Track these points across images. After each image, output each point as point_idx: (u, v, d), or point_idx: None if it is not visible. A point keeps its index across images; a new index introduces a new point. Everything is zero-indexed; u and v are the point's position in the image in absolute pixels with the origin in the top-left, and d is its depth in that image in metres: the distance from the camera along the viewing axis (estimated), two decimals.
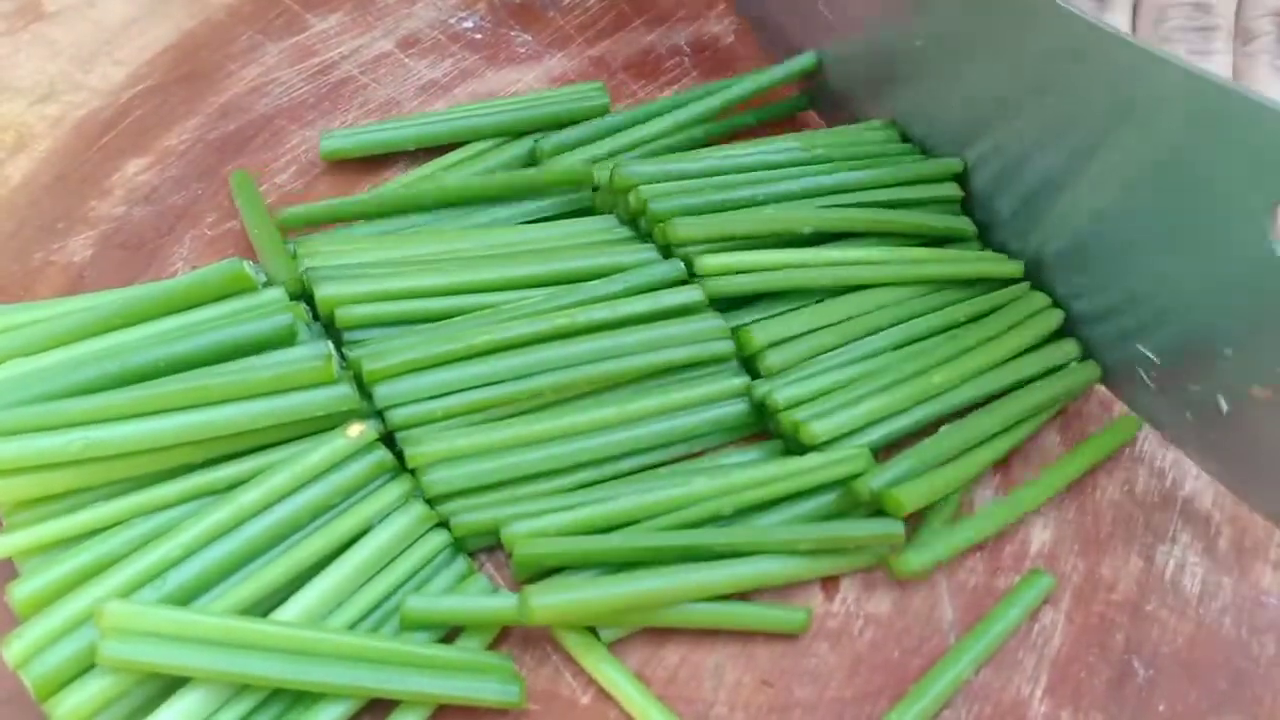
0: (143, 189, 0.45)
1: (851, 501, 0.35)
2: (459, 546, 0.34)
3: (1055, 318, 0.40)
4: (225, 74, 0.50)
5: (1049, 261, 0.40)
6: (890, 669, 0.34)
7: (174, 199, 0.44)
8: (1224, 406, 0.35)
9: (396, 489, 0.34)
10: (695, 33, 0.54)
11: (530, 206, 0.43)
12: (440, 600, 0.32)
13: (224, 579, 0.31)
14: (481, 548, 0.35)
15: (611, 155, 0.45)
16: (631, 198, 0.41)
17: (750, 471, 0.35)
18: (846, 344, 0.39)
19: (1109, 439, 0.39)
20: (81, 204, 0.44)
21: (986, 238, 0.43)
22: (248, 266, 0.37)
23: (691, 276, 0.40)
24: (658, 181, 0.41)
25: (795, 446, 0.37)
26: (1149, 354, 0.37)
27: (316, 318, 0.38)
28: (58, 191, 0.44)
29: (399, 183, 0.45)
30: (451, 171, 0.45)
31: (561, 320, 0.37)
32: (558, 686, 0.33)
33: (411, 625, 0.32)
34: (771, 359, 0.38)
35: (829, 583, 0.35)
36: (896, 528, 0.35)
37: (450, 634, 0.33)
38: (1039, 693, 0.33)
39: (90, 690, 0.29)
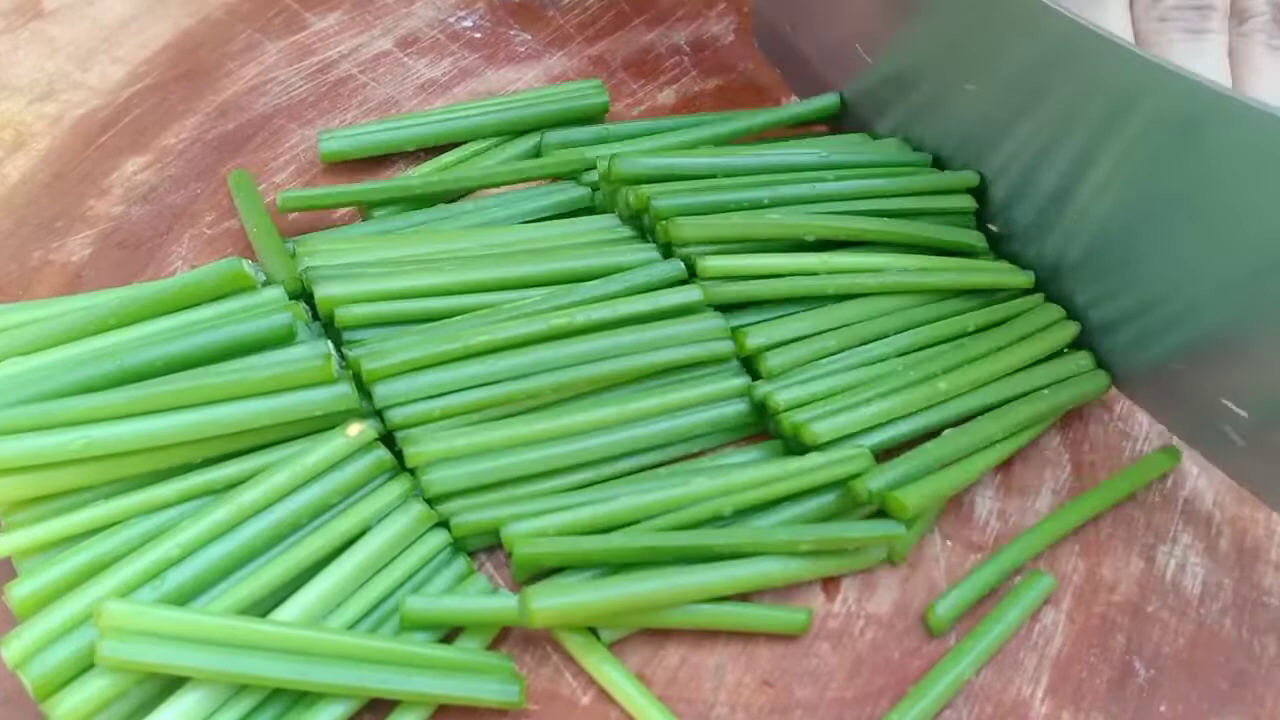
0: (141, 188, 0.45)
1: (852, 502, 0.35)
2: (458, 546, 0.34)
3: (1067, 330, 0.40)
4: (224, 73, 0.50)
5: (1067, 271, 0.40)
6: (891, 669, 0.34)
7: (173, 198, 0.44)
8: (1243, 413, 0.35)
9: (396, 488, 0.34)
10: (695, 32, 0.54)
11: (529, 206, 0.43)
12: (440, 600, 0.32)
13: (223, 579, 0.31)
14: (481, 548, 0.35)
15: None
16: (632, 196, 0.41)
17: (750, 472, 0.35)
18: (850, 349, 0.39)
19: (1146, 470, 0.38)
20: (80, 203, 0.44)
21: (1003, 249, 0.43)
22: (246, 265, 0.37)
23: (692, 276, 0.39)
24: (659, 179, 0.41)
25: (796, 447, 0.37)
26: (1169, 360, 0.37)
27: (316, 317, 0.38)
28: (56, 190, 0.44)
29: (401, 179, 0.45)
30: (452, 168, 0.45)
31: (561, 320, 0.37)
32: (558, 686, 0.32)
33: (411, 625, 0.32)
34: (772, 361, 0.38)
35: (830, 583, 0.35)
36: (897, 529, 0.35)
37: (450, 634, 0.33)
38: (1040, 693, 0.33)
39: (89, 690, 0.29)
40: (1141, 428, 0.40)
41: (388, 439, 0.35)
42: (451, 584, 0.33)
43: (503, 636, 0.33)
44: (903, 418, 0.37)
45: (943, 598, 0.35)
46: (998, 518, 0.37)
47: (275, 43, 0.51)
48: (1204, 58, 0.41)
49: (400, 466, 0.35)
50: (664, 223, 0.40)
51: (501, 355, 0.36)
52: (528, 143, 0.46)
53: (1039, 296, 0.42)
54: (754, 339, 0.38)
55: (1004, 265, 0.42)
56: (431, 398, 0.35)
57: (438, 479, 0.34)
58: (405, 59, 0.51)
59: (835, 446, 0.36)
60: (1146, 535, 0.37)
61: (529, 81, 0.51)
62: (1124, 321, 0.39)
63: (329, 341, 0.35)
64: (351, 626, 0.31)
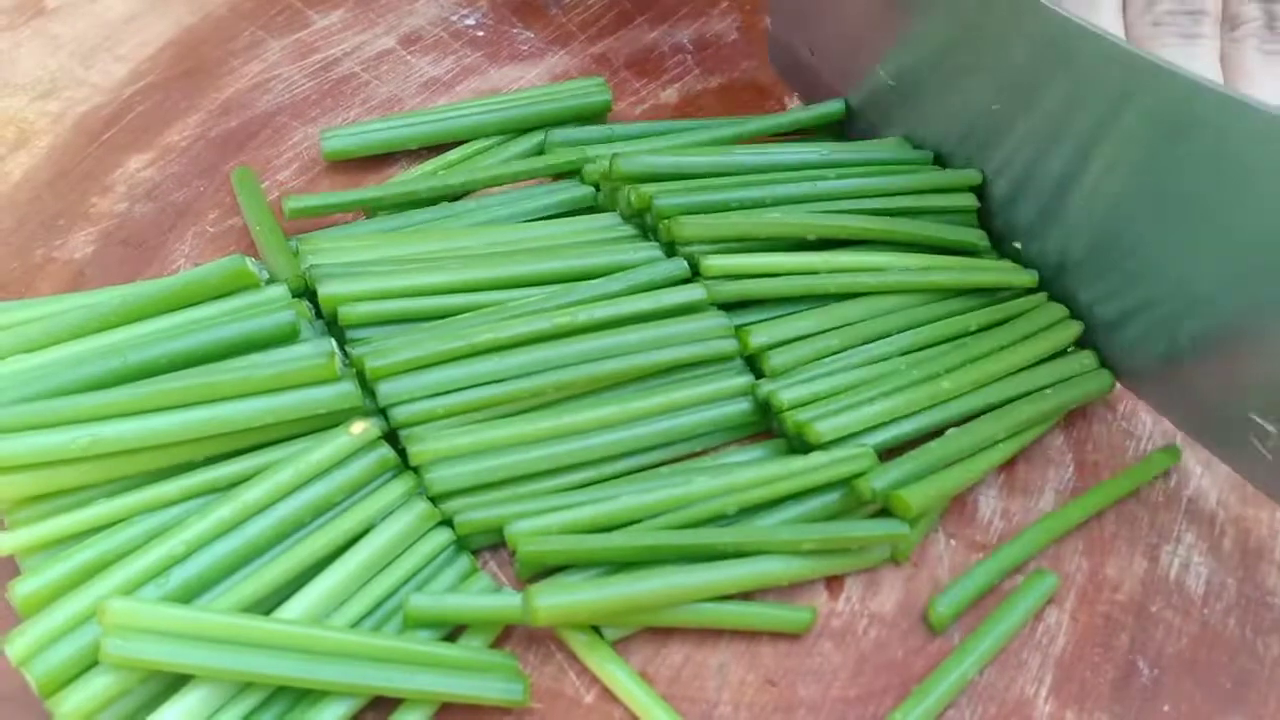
0: (144, 185, 0.45)
1: (855, 501, 0.35)
2: (461, 545, 0.34)
3: (1071, 329, 0.40)
4: (227, 70, 0.50)
5: (1070, 268, 0.40)
6: (895, 668, 0.34)
7: (176, 195, 0.44)
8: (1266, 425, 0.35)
9: (399, 487, 0.34)
10: (698, 30, 0.54)
11: (532, 205, 0.43)
12: (444, 598, 0.32)
13: (226, 577, 0.31)
14: (485, 546, 0.35)
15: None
16: (633, 194, 0.41)
17: (754, 470, 0.35)
18: (853, 348, 0.39)
19: (1147, 468, 0.39)
20: (83, 200, 0.44)
21: (1005, 248, 0.43)
22: (250, 263, 0.37)
23: (695, 275, 0.39)
24: (661, 178, 0.41)
25: (799, 446, 0.37)
26: (1174, 357, 0.37)
27: (319, 315, 0.38)
28: (59, 188, 0.44)
29: (403, 178, 0.45)
30: (455, 168, 0.45)
31: (564, 319, 0.37)
32: (562, 685, 0.32)
33: (415, 623, 0.32)
34: (775, 360, 0.38)
35: (833, 582, 0.35)
36: (901, 528, 0.34)
37: (453, 632, 0.33)
38: (1044, 692, 0.33)
39: (93, 688, 0.29)
40: (1145, 427, 0.40)
41: (391, 437, 0.35)
42: (455, 582, 0.33)
43: (506, 635, 0.33)
44: (906, 417, 0.37)
45: (943, 594, 0.35)
46: (1001, 517, 0.37)
47: (278, 40, 0.51)
48: (1196, 62, 0.41)
49: (404, 465, 0.35)
50: (666, 222, 0.40)
51: (505, 354, 0.36)
52: (530, 141, 0.46)
53: (1042, 296, 0.41)
54: (757, 338, 0.38)
55: (1007, 264, 0.42)
56: (435, 396, 0.35)
57: (441, 477, 0.34)
58: (408, 57, 0.51)
59: (839, 445, 0.36)
60: (1150, 535, 0.37)
61: (532, 80, 0.51)
62: (1128, 318, 0.39)
63: (332, 340, 0.35)
64: (355, 624, 0.31)
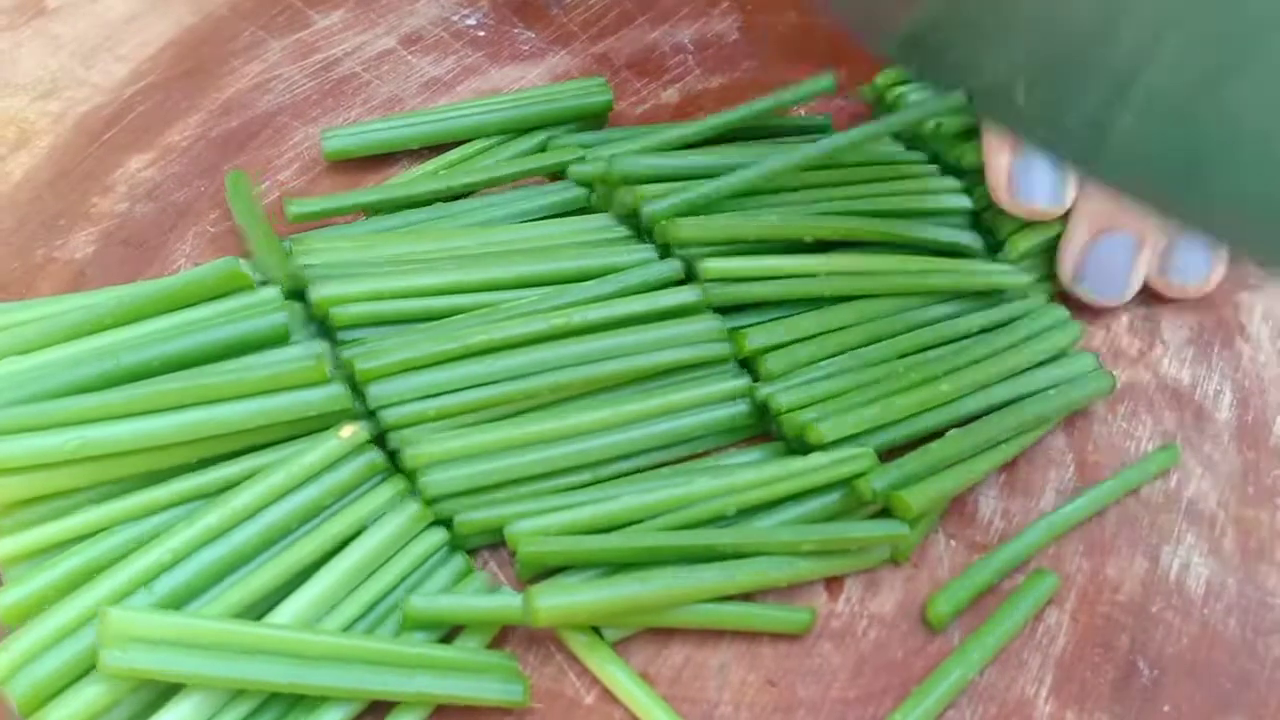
0: (145, 185, 0.45)
1: (855, 501, 0.35)
2: (456, 544, 0.34)
3: (1071, 331, 0.40)
4: (228, 70, 0.50)
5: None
6: (894, 669, 0.34)
7: (176, 196, 0.44)
8: None
9: (388, 490, 0.34)
10: (699, 30, 0.54)
11: (526, 205, 0.43)
12: (442, 599, 0.32)
13: (215, 584, 0.31)
14: (482, 545, 0.35)
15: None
16: (628, 195, 0.41)
17: (753, 472, 0.35)
18: (851, 350, 0.39)
19: (1146, 468, 0.39)
20: (83, 200, 0.44)
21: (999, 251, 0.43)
22: (243, 265, 0.37)
23: (690, 278, 0.39)
24: (655, 179, 0.41)
25: (798, 448, 0.36)
26: None
27: (312, 316, 0.38)
28: (59, 188, 0.44)
29: (403, 178, 0.45)
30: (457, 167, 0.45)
31: (558, 320, 0.37)
32: (562, 686, 0.32)
33: (414, 625, 0.32)
34: (772, 363, 0.38)
35: (833, 582, 0.35)
36: (901, 529, 0.34)
37: (450, 633, 0.33)
38: (1044, 693, 0.33)
39: (77, 704, 0.28)
40: (1146, 427, 0.40)
41: (380, 440, 0.35)
42: (450, 582, 0.33)
43: (506, 636, 0.33)
44: (905, 419, 0.37)
45: (942, 592, 0.35)
46: (1001, 517, 0.37)
47: (279, 40, 0.51)
48: None
49: (394, 468, 0.35)
50: (661, 223, 0.40)
51: (497, 356, 0.36)
52: (531, 141, 0.46)
53: (1042, 298, 0.42)
54: (753, 340, 0.38)
55: (1003, 267, 0.42)
56: (426, 398, 0.35)
57: (436, 480, 0.34)
58: (409, 57, 0.51)
59: (839, 446, 0.36)
60: (1150, 535, 0.37)
61: (533, 80, 0.51)
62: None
63: (323, 341, 0.35)
64: (349, 627, 0.31)
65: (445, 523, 0.34)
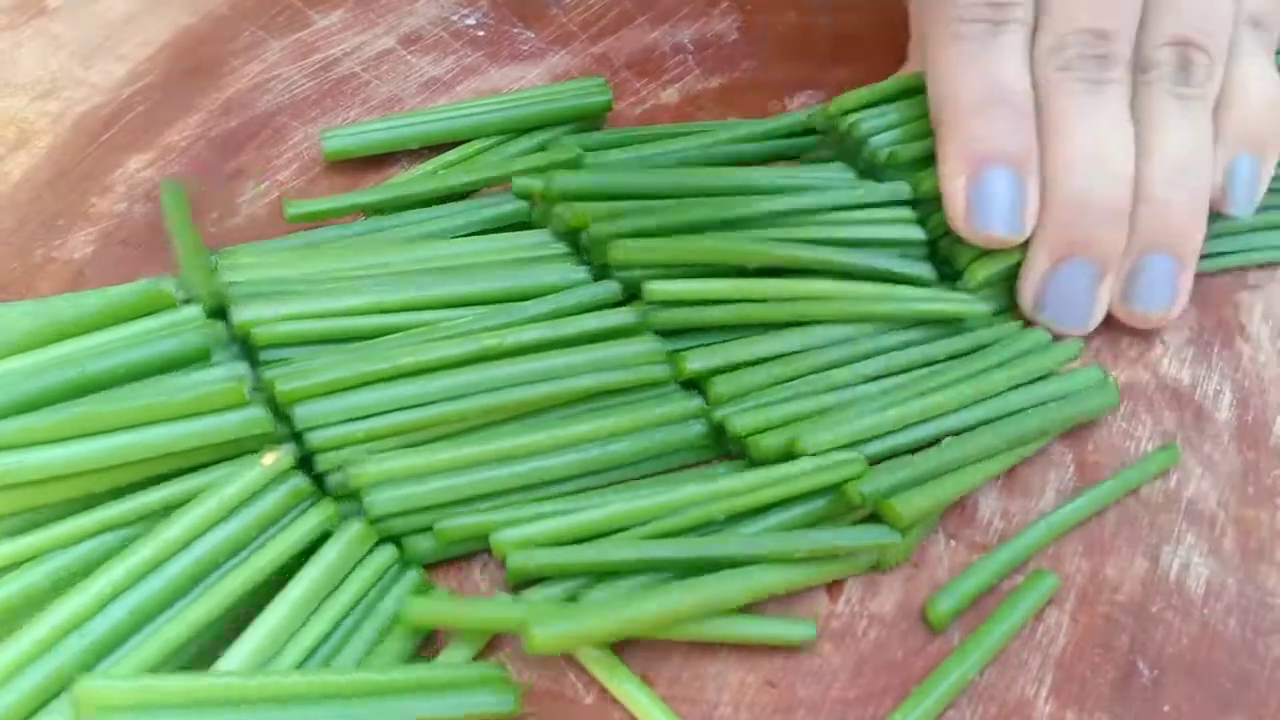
0: (144, 185, 0.45)
1: (844, 506, 0.35)
2: (408, 561, 0.34)
3: (1061, 352, 0.39)
4: (227, 70, 0.50)
5: None
6: (894, 669, 0.34)
7: None
8: None
9: (316, 516, 0.33)
10: (699, 30, 0.54)
11: (463, 220, 0.42)
12: (441, 604, 0.32)
13: (149, 622, 0.30)
14: (438, 560, 0.35)
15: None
16: (567, 213, 0.39)
17: (742, 478, 0.34)
18: (812, 374, 0.38)
19: (1146, 467, 0.38)
20: (82, 200, 0.44)
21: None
22: (167, 283, 0.36)
23: (630, 298, 0.38)
24: (596, 197, 0.40)
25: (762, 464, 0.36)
26: None
27: (234, 336, 0.37)
28: (59, 188, 0.44)
29: (403, 178, 0.45)
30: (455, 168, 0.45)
31: (490, 341, 0.36)
32: (561, 687, 0.32)
33: (411, 630, 0.31)
34: (720, 386, 0.37)
35: (833, 583, 0.35)
36: (892, 537, 0.34)
37: (426, 649, 0.32)
38: (1044, 693, 0.33)
39: None
40: (1145, 427, 0.40)
41: (307, 463, 0.34)
42: (407, 598, 0.33)
43: (505, 636, 0.33)
44: (895, 431, 0.36)
45: (942, 592, 0.35)
46: (1001, 517, 0.37)
47: (278, 40, 0.51)
48: (1105, 107, 0.40)
49: (321, 492, 0.34)
50: (601, 244, 0.38)
51: (428, 377, 0.35)
52: (531, 141, 0.46)
53: (1016, 325, 0.41)
54: (693, 363, 0.37)
55: (960, 296, 0.41)
56: (355, 420, 0.34)
57: (382, 499, 0.33)
58: (408, 57, 0.51)
59: (825, 456, 0.35)
60: (1150, 535, 0.37)
61: (532, 80, 0.51)
62: None
63: (245, 363, 0.34)
64: (308, 658, 0.30)
65: (394, 540, 0.34)
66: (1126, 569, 0.36)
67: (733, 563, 0.33)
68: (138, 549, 0.31)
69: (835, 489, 0.35)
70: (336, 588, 0.32)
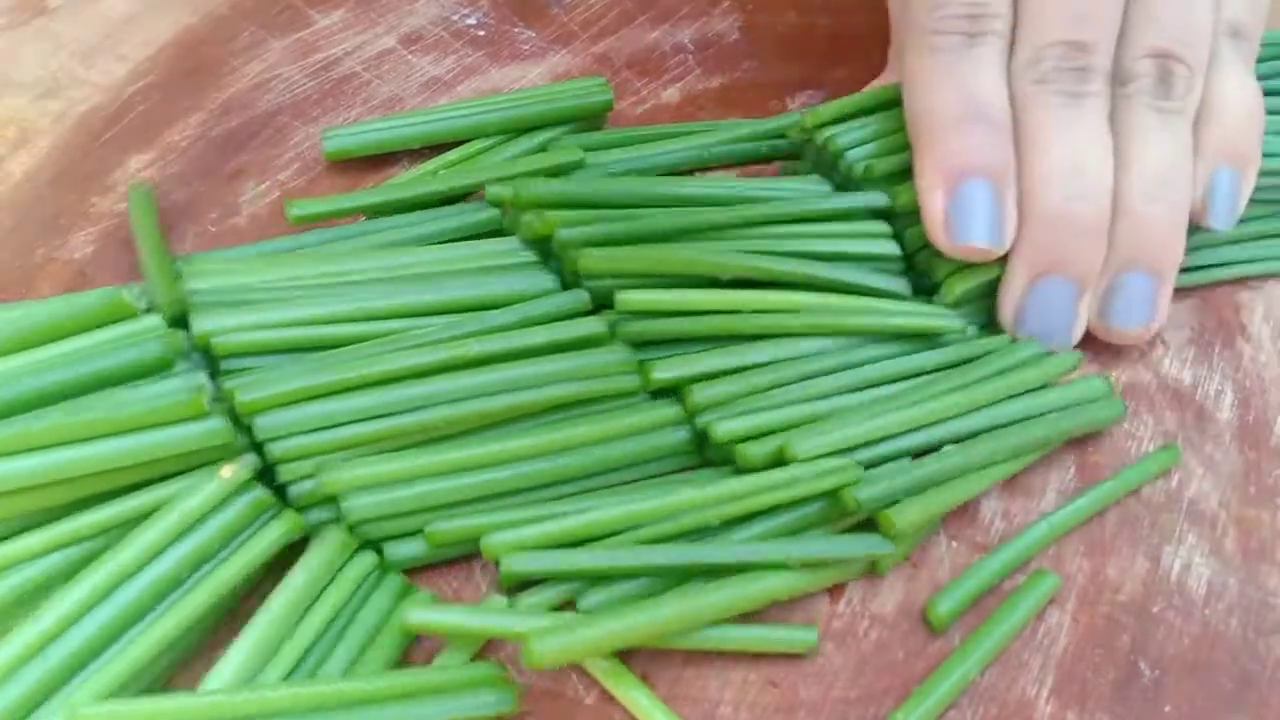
0: (144, 185, 0.45)
1: (840, 512, 0.35)
2: (388, 567, 0.34)
3: (1058, 364, 0.39)
4: (228, 70, 0.50)
5: None
6: (896, 670, 0.34)
7: (176, 195, 0.44)
8: None
9: (278, 529, 0.32)
10: (699, 30, 0.54)
11: (433, 228, 0.41)
12: (439, 612, 0.32)
13: (114, 642, 0.30)
14: (416, 566, 0.34)
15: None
16: (535, 220, 0.39)
17: (738, 482, 0.34)
18: (785, 386, 0.37)
19: (1147, 467, 0.38)
20: (83, 200, 0.44)
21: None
22: (128, 292, 0.35)
23: (600, 308, 0.38)
24: (566, 205, 0.39)
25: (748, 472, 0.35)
26: None
27: (196, 345, 0.36)
28: (60, 187, 0.44)
29: (403, 178, 0.45)
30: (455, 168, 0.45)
31: (456, 351, 0.35)
32: (562, 686, 0.32)
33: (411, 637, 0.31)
34: (697, 395, 0.36)
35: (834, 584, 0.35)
36: (887, 547, 0.34)
37: (415, 651, 0.32)
38: (1045, 693, 0.33)
39: None
40: (1147, 427, 0.40)
41: (267, 475, 0.34)
42: (392, 603, 0.33)
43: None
44: (890, 437, 0.36)
45: (943, 593, 0.35)
46: (1002, 518, 0.37)
47: (279, 40, 0.51)
48: (1084, 120, 0.39)
49: (283, 503, 0.34)
50: (571, 252, 0.38)
51: (393, 387, 0.35)
52: (532, 141, 0.46)
53: (1004, 338, 0.40)
54: (661, 373, 0.37)
55: (937, 310, 0.40)
56: (318, 430, 0.34)
57: (360, 505, 0.33)
58: (409, 56, 0.51)
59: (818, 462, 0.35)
60: (1151, 535, 0.37)
61: (533, 79, 0.51)
62: None
63: (204, 373, 0.34)
64: (294, 668, 0.30)
65: (373, 546, 0.34)
66: (1128, 569, 0.36)
67: (728, 569, 0.33)
68: (101, 565, 0.30)
69: (831, 495, 0.34)
70: (318, 597, 0.32)
